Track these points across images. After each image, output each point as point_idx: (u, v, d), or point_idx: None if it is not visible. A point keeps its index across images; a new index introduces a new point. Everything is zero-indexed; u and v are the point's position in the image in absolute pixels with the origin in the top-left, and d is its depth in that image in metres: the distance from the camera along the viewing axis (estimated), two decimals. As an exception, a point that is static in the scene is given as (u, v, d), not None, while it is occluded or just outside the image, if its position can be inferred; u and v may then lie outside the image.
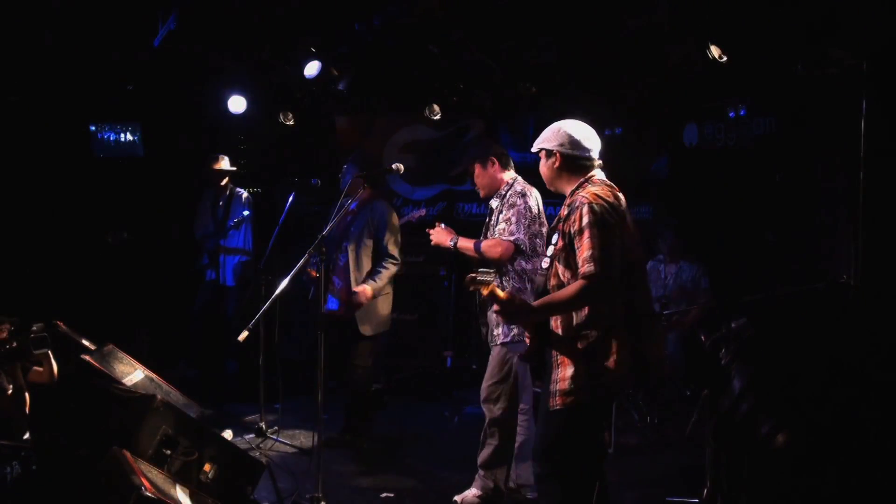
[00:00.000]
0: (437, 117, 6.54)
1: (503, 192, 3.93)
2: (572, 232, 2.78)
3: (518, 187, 3.88)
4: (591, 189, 2.86)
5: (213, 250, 5.89)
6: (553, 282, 2.89)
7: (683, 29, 4.67)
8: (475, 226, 4.21)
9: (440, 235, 3.94)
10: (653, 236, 6.06)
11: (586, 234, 2.72)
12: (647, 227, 6.59)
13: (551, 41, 5.29)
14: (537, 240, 3.80)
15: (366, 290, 4.57)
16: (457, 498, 3.90)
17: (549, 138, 3.03)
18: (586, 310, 2.77)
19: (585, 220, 2.74)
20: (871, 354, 2.65)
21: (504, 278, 3.79)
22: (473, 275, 2.93)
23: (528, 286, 3.74)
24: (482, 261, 3.81)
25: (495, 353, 3.88)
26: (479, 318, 4.08)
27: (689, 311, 5.61)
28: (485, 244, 3.82)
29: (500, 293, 2.91)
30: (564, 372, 2.81)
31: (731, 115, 5.91)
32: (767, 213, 5.77)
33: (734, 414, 2.62)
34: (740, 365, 2.82)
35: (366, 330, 4.66)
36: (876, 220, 3.82)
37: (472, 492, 3.87)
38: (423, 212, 5.94)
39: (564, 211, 2.90)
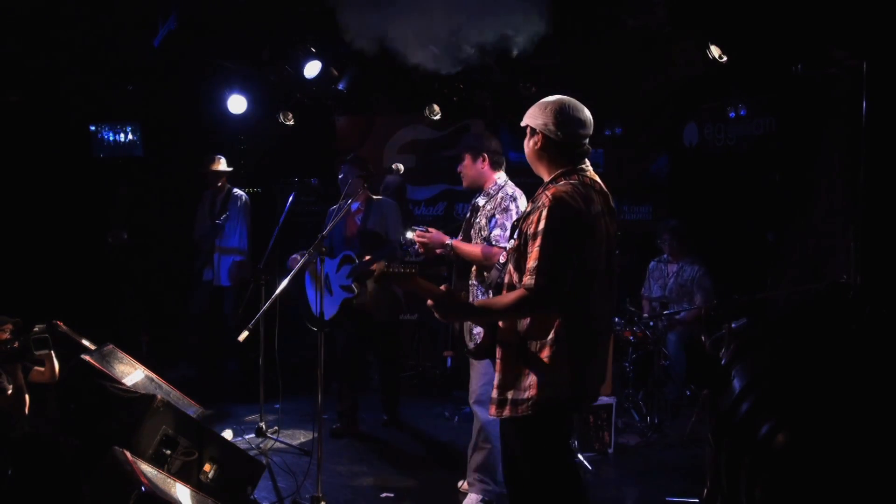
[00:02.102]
0: (437, 117, 6.54)
1: (492, 192, 3.86)
2: (528, 234, 2.51)
3: (509, 190, 3.82)
4: (558, 187, 2.52)
5: (208, 250, 5.91)
6: (507, 279, 2.66)
7: (683, 29, 4.67)
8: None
9: (435, 237, 3.79)
10: (653, 236, 6.07)
11: (538, 241, 2.44)
12: (646, 227, 6.59)
13: (551, 41, 5.29)
14: None
15: (380, 265, 4.74)
16: None
17: (535, 114, 2.64)
18: (530, 318, 2.54)
19: (542, 224, 2.45)
20: (871, 354, 2.65)
21: (474, 286, 3.75)
22: (387, 268, 2.64)
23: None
24: (468, 263, 3.81)
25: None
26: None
27: (689, 312, 5.62)
28: (483, 251, 3.68)
29: (429, 285, 2.62)
30: (497, 379, 2.62)
31: (731, 115, 5.91)
32: (767, 213, 5.77)
33: (734, 414, 2.61)
34: (740, 365, 2.81)
35: (380, 316, 5.00)
36: (876, 220, 3.82)
37: (474, 497, 3.85)
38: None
39: (529, 206, 2.61)
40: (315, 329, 4.46)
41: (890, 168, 3.78)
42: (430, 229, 3.84)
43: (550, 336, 2.49)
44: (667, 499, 3.98)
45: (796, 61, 4.79)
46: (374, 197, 5.07)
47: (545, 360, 2.49)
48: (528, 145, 2.67)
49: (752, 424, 2.51)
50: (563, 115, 2.58)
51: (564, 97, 2.63)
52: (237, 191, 6.08)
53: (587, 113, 2.62)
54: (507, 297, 2.53)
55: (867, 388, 2.46)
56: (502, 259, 2.80)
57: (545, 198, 2.50)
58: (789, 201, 5.60)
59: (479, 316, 2.76)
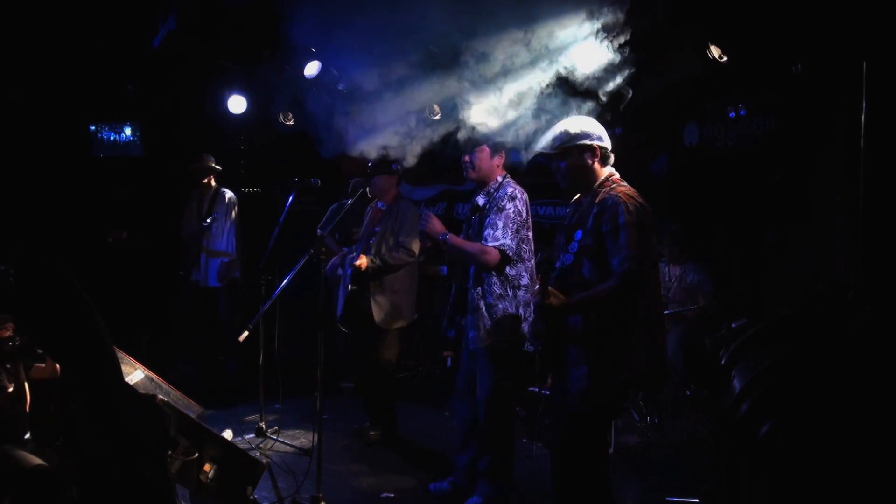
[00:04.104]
0: (438, 117, 6.53)
1: (491, 190, 3.83)
2: (606, 230, 2.81)
3: (508, 189, 3.77)
4: (622, 189, 2.90)
5: (195, 251, 5.91)
6: (574, 279, 2.89)
7: (683, 29, 4.67)
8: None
9: (435, 224, 3.77)
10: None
11: (624, 233, 2.77)
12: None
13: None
14: (524, 245, 3.74)
15: (363, 260, 4.65)
16: None
17: (569, 136, 2.99)
18: (609, 309, 2.83)
19: (622, 218, 2.78)
20: (871, 354, 2.65)
21: (485, 285, 3.72)
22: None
23: (510, 292, 3.70)
24: (460, 260, 3.82)
25: (488, 358, 3.79)
26: (446, 320, 4.06)
27: (688, 311, 5.61)
28: (475, 248, 3.69)
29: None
30: (582, 371, 2.86)
31: (731, 115, 5.91)
32: (768, 213, 5.77)
33: (734, 414, 2.61)
34: (740, 365, 2.82)
35: (380, 320, 4.77)
36: (876, 220, 3.81)
37: (476, 500, 3.84)
38: None
39: (595, 208, 2.89)
40: (343, 329, 4.50)
41: (890, 168, 3.77)
42: (432, 216, 3.81)
43: (629, 321, 2.81)
44: (667, 499, 3.98)
45: (796, 61, 4.79)
46: (403, 199, 4.97)
47: (628, 343, 2.81)
48: (575, 163, 2.99)
49: (752, 424, 2.51)
50: (600, 127, 3.04)
51: (580, 117, 3.08)
52: (225, 190, 6.08)
53: None
54: (606, 288, 2.79)
55: (867, 388, 2.46)
56: (567, 261, 2.98)
57: (613, 197, 2.84)
58: (790, 201, 5.60)
59: (579, 310, 2.93)
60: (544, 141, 3.10)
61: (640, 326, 2.83)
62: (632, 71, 3.43)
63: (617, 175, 3.03)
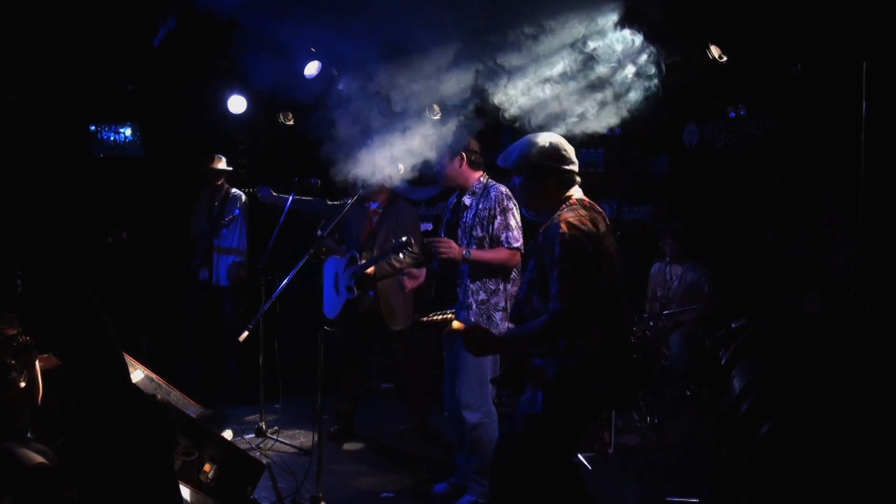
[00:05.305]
0: (437, 117, 6.52)
1: (477, 190, 3.87)
2: (546, 262, 2.67)
3: (502, 189, 3.79)
4: (567, 214, 2.70)
5: (206, 250, 5.92)
6: (528, 309, 2.79)
7: (683, 29, 4.67)
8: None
9: (453, 248, 3.71)
10: (653, 237, 6.06)
11: (557, 267, 2.60)
12: (646, 227, 6.59)
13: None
14: None
15: (372, 269, 4.67)
16: None
17: (532, 154, 2.81)
18: (563, 340, 2.68)
19: (557, 251, 2.61)
20: (871, 354, 2.65)
21: (481, 280, 3.75)
22: (426, 319, 2.96)
23: (502, 286, 3.75)
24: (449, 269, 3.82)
25: (469, 358, 3.74)
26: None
27: (691, 311, 5.61)
28: (502, 255, 3.70)
29: (461, 325, 2.88)
30: (536, 396, 2.71)
31: (731, 115, 5.91)
32: (767, 213, 5.77)
33: (734, 414, 2.61)
34: (740, 365, 2.82)
35: (395, 325, 4.78)
36: (876, 221, 3.82)
37: (469, 498, 3.84)
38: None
39: (540, 237, 2.77)
40: (326, 328, 4.49)
41: (890, 168, 3.78)
42: (450, 242, 3.73)
43: (584, 353, 2.65)
44: (667, 499, 3.98)
45: (796, 61, 4.79)
46: (398, 199, 4.92)
47: (587, 372, 2.64)
48: (532, 185, 2.83)
49: (752, 424, 2.51)
50: (562, 146, 2.83)
51: (546, 133, 2.89)
52: (236, 191, 6.11)
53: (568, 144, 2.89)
54: (536, 325, 2.67)
55: (867, 388, 2.46)
56: (521, 292, 2.89)
57: (555, 226, 2.67)
58: (790, 201, 5.60)
59: (511, 346, 2.89)
60: (510, 153, 2.90)
61: (599, 358, 2.66)
62: (655, 53, 3.38)
63: (577, 196, 2.81)
